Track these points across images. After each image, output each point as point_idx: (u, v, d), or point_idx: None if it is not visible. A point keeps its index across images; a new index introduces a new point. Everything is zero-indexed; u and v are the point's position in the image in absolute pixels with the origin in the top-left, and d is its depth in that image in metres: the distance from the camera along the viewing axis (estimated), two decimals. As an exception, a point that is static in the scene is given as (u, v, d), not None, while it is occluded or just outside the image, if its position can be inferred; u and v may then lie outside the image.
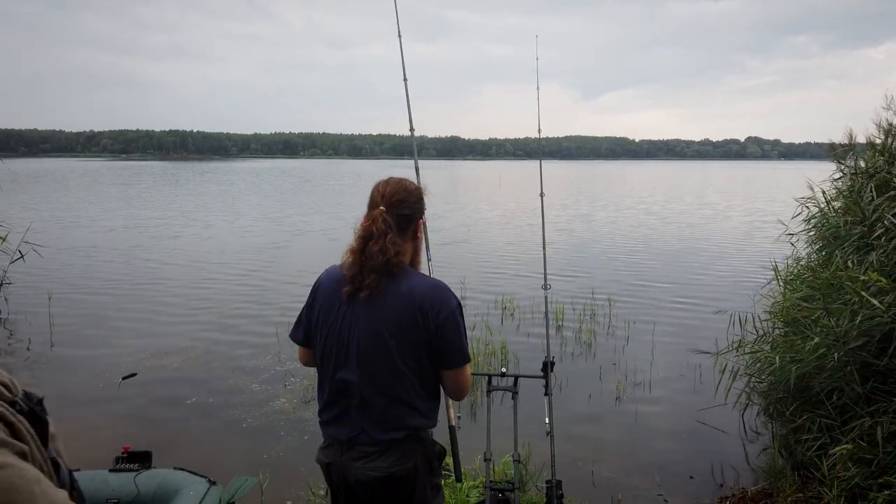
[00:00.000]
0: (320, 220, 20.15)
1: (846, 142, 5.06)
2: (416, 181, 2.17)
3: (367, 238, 1.83)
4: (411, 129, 2.63)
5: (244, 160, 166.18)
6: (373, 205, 1.92)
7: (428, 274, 2.19)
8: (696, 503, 3.86)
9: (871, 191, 4.24)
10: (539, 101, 3.80)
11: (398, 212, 1.90)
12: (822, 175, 5.50)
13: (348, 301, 1.84)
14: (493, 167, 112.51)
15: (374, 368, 1.83)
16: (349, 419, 1.87)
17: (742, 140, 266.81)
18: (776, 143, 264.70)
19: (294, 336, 2.04)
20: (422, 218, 2.01)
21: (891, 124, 4.77)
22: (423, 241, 2.04)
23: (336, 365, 1.87)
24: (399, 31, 2.62)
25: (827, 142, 5.44)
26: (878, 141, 4.81)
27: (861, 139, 5.04)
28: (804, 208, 5.53)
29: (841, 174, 5.17)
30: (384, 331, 1.81)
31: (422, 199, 2.00)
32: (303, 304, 2.01)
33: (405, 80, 2.81)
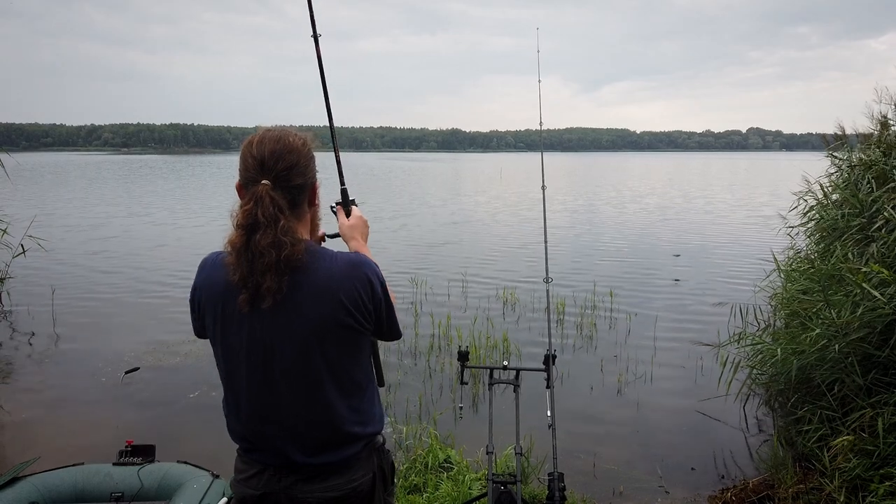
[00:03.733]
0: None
1: (838, 133, 5.10)
2: (342, 177, 1.84)
3: (251, 227, 1.39)
4: (329, 116, 2.04)
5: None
6: (249, 176, 1.45)
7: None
8: (698, 494, 3.88)
9: (868, 182, 4.24)
10: (541, 94, 3.78)
11: (288, 184, 1.45)
12: (823, 166, 5.49)
13: (250, 310, 1.42)
14: (495, 159, 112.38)
15: (305, 388, 1.47)
16: (285, 447, 1.51)
17: (744, 131, 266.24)
18: (778, 133, 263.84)
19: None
20: (316, 180, 1.56)
21: (885, 116, 4.78)
22: (320, 205, 1.61)
23: (254, 389, 1.49)
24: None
25: (828, 133, 5.46)
26: (873, 132, 4.82)
27: (850, 132, 5.09)
28: (802, 201, 5.53)
29: (836, 168, 5.19)
30: (310, 342, 1.44)
31: (312, 156, 1.53)
32: None
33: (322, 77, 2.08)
